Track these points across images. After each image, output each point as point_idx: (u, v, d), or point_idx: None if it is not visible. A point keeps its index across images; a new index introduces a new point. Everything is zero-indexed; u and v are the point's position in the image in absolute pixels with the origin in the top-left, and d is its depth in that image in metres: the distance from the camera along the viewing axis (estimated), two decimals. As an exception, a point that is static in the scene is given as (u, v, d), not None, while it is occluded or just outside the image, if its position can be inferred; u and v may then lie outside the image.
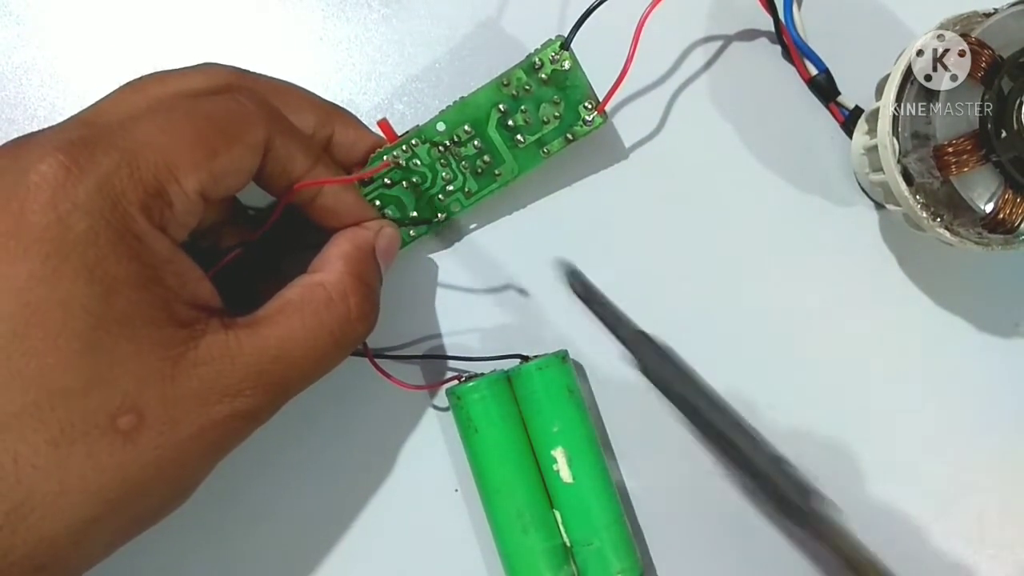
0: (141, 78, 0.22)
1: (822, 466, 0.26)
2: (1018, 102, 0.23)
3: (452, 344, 0.28)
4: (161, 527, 0.26)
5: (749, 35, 0.29)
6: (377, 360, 0.26)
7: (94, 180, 0.19)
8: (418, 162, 0.26)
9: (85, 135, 0.19)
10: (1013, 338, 0.29)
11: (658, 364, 0.26)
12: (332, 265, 0.23)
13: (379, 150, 0.26)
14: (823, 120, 0.29)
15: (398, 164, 0.26)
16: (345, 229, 0.25)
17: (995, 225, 0.23)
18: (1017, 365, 0.29)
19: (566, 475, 0.26)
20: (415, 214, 0.27)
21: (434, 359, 0.28)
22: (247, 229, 0.25)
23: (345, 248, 0.24)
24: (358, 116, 0.26)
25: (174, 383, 0.19)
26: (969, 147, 0.23)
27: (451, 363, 0.28)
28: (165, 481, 0.20)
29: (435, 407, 0.28)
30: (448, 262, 0.28)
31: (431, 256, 0.28)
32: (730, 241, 0.29)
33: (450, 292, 0.28)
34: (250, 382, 0.20)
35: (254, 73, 0.24)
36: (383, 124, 0.26)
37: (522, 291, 0.28)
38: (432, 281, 0.28)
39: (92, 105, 0.22)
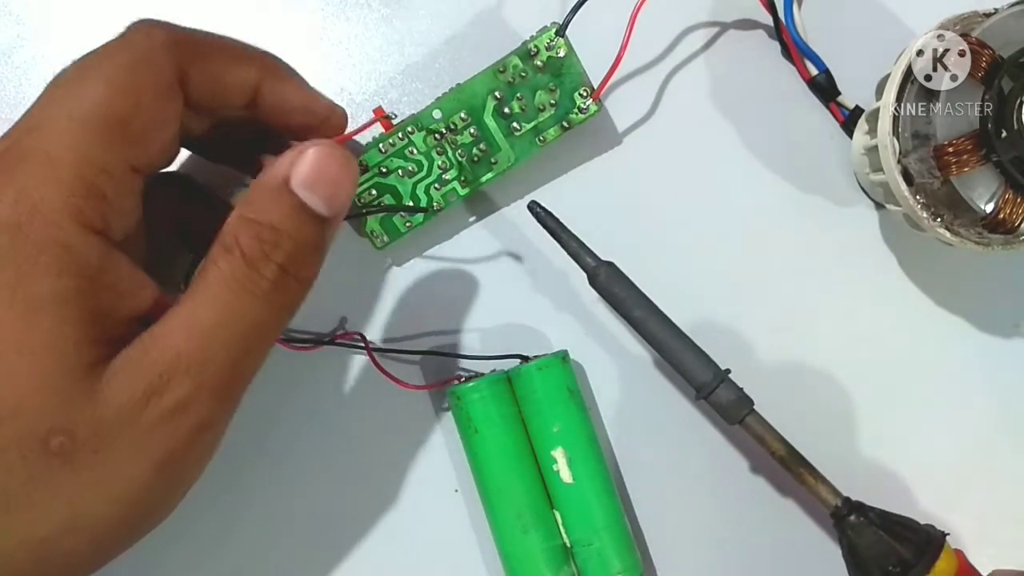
0: (64, 69, 0.20)
1: (820, 465, 0.26)
2: (1018, 102, 0.23)
3: (452, 344, 0.28)
4: (161, 526, 0.27)
5: (750, 32, 0.29)
6: (378, 359, 0.26)
7: (11, 194, 0.18)
8: (414, 150, 0.26)
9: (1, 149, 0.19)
10: (1013, 338, 0.29)
11: (621, 292, 0.24)
12: (232, 216, 0.20)
13: (375, 138, 0.26)
14: (823, 120, 0.29)
15: (387, 117, 0.25)
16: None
17: (995, 225, 0.23)
18: (1017, 365, 0.29)
19: (566, 475, 0.26)
20: (411, 203, 0.26)
21: (435, 356, 0.28)
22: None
23: (249, 195, 0.20)
24: (358, 115, 0.26)
25: (99, 400, 0.18)
26: (969, 147, 0.23)
27: (451, 363, 0.28)
28: (111, 502, 0.19)
29: (435, 407, 0.28)
30: (448, 261, 0.28)
31: (431, 255, 0.28)
32: (729, 240, 0.29)
33: (450, 291, 0.28)
34: (169, 370, 0.19)
35: (173, 25, 0.21)
36: (378, 112, 0.26)
37: (522, 291, 0.28)
38: (432, 280, 0.28)
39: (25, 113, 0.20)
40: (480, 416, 0.26)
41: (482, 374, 0.27)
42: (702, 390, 0.25)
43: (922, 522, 0.25)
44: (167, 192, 0.24)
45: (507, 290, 0.28)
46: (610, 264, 0.25)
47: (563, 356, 0.26)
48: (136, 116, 0.19)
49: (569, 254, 0.25)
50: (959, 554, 0.24)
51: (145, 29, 0.20)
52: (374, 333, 0.28)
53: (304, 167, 0.20)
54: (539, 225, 0.25)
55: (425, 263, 0.28)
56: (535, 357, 0.27)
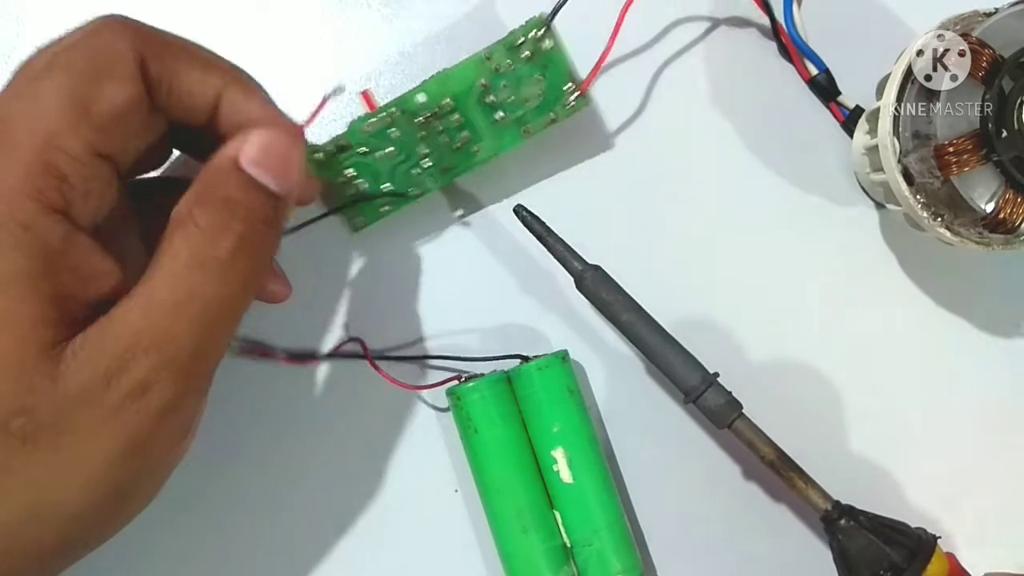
0: (30, 56, 0.20)
1: (820, 466, 0.26)
2: (1018, 101, 0.23)
3: (452, 344, 0.28)
4: (160, 527, 0.27)
5: (747, 30, 0.29)
6: (377, 361, 0.26)
7: None
8: (396, 132, 0.26)
9: None
10: (1013, 338, 0.29)
11: (608, 296, 0.24)
12: (184, 197, 0.20)
13: (359, 117, 0.26)
14: (823, 119, 0.29)
15: (333, 92, 0.23)
16: None
17: (996, 225, 0.23)
18: (1017, 365, 0.29)
19: (566, 475, 0.26)
20: (389, 186, 0.26)
21: (434, 359, 0.28)
22: None
23: (200, 175, 0.20)
24: (357, 113, 0.26)
25: (58, 380, 0.18)
26: (970, 147, 0.23)
27: (451, 363, 0.28)
28: (76, 486, 0.19)
29: (435, 407, 0.28)
30: (448, 261, 0.28)
31: (430, 255, 0.28)
32: (728, 240, 0.29)
33: (450, 292, 0.28)
34: (130, 350, 0.18)
35: (140, 23, 0.21)
36: (366, 95, 0.26)
37: (522, 291, 0.28)
38: (432, 281, 0.28)
39: None
40: (480, 416, 0.26)
41: (482, 374, 0.27)
42: (690, 394, 0.25)
43: (920, 524, 0.25)
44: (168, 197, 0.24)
45: (507, 290, 0.28)
46: (597, 268, 0.25)
47: (563, 356, 0.26)
48: (96, 100, 0.19)
49: (555, 258, 0.25)
50: (951, 557, 0.24)
51: (110, 21, 0.20)
52: (374, 334, 0.28)
53: (252, 146, 0.20)
54: (529, 226, 0.25)
55: (424, 263, 0.28)
56: (535, 357, 0.27)
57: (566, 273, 0.27)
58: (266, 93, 0.23)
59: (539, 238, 0.25)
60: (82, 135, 0.19)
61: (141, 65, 0.20)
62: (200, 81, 0.21)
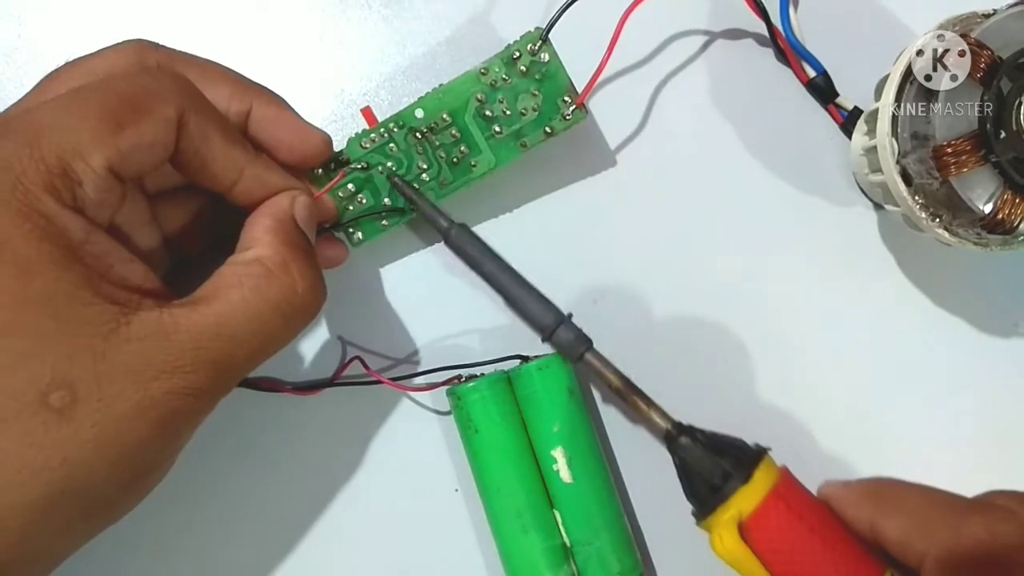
0: (58, 67, 0.22)
1: (821, 466, 0.26)
2: (1017, 103, 0.23)
3: (452, 344, 0.28)
4: (161, 524, 0.27)
5: (748, 34, 0.29)
6: (380, 373, 0.27)
7: None
8: (394, 147, 0.26)
9: None
10: (1012, 338, 0.29)
11: (472, 249, 0.26)
12: (262, 240, 0.22)
13: (356, 134, 0.26)
14: (822, 121, 0.29)
15: (359, 167, 0.26)
16: (260, 205, 0.24)
17: (994, 225, 0.24)
18: (1017, 365, 0.29)
19: (566, 475, 0.26)
20: (388, 201, 0.26)
21: (435, 358, 0.28)
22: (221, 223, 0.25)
23: (268, 223, 0.23)
24: (358, 116, 0.26)
25: (105, 359, 0.19)
26: (968, 147, 0.23)
27: (452, 362, 0.28)
28: (108, 462, 0.19)
29: (435, 408, 0.28)
30: (447, 262, 0.28)
31: (429, 263, 0.28)
32: (729, 242, 0.29)
33: (450, 292, 0.28)
34: (187, 359, 0.20)
35: (167, 47, 0.23)
36: (366, 112, 0.26)
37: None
38: (432, 281, 0.28)
39: (16, 102, 0.22)
40: (480, 416, 0.26)
41: (482, 374, 0.27)
42: (544, 332, 0.25)
43: None
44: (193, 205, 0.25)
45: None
46: (462, 225, 0.26)
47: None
48: (129, 128, 0.20)
49: (425, 218, 0.26)
50: (784, 469, 0.24)
51: (168, 70, 0.22)
52: (377, 341, 0.28)
53: (301, 206, 0.24)
54: (402, 192, 0.26)
55: (424, 271, 0.28)
56: (535, 357, 0.27)
57: (565, 274, 0.28)
58: (276, 95, 0.25)
59: (410, 200, 0.26)
60: (104, 152, 0.20)
61: (181, 118, 0.21)
62: (224, 151, 0.23)
